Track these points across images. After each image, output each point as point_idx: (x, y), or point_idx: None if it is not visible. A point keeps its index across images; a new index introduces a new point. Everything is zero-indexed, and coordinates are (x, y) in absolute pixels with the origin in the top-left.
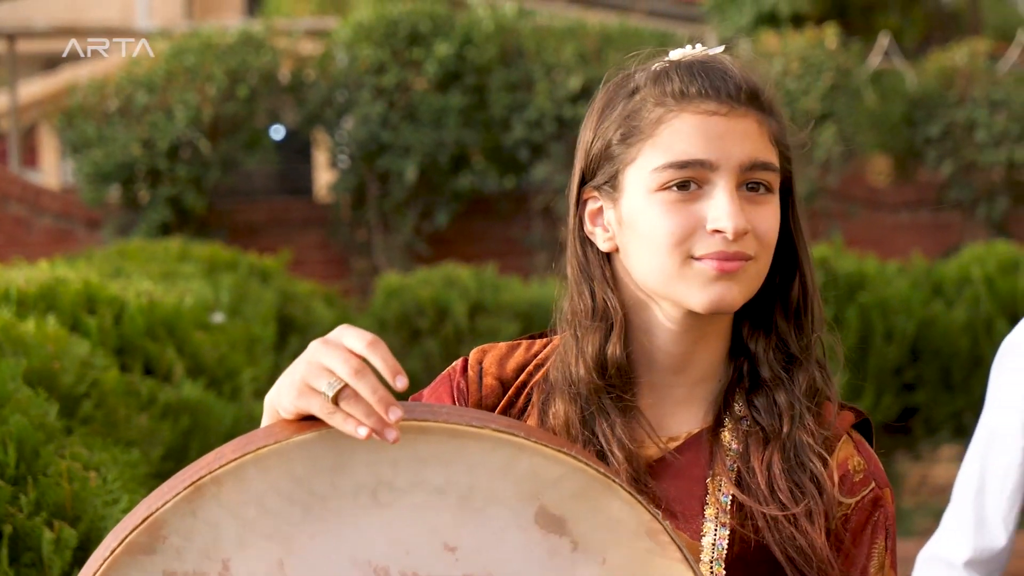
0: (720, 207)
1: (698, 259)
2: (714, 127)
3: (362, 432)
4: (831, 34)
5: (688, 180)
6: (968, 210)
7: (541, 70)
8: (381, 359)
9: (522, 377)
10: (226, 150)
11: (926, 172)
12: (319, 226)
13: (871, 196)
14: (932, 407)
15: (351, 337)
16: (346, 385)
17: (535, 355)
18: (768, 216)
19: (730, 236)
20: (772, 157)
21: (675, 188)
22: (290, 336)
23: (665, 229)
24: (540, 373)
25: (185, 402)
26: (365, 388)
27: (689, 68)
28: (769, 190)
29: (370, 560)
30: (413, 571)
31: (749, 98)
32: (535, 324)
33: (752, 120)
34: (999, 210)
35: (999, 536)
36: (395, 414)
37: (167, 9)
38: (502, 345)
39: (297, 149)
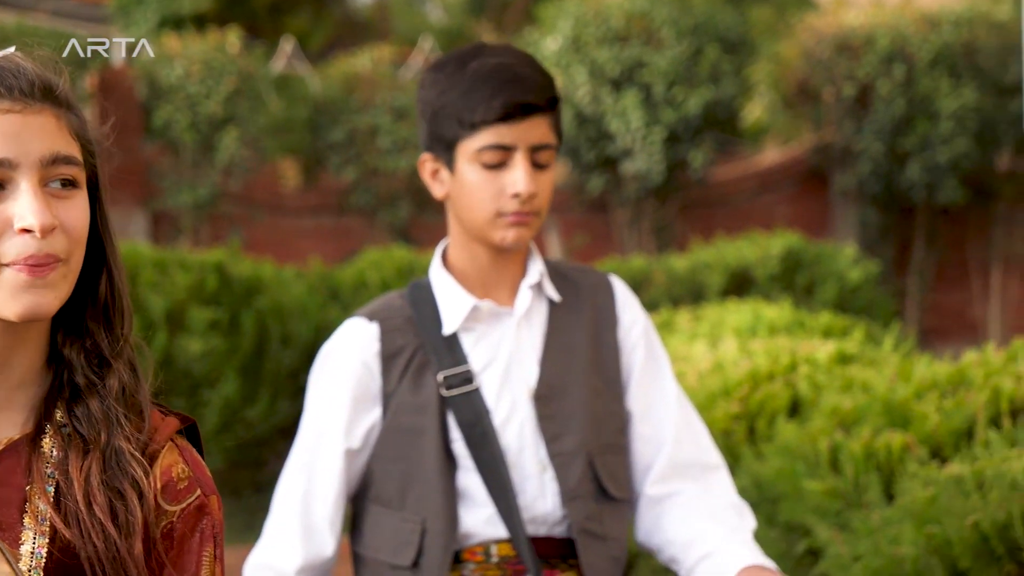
0: (25, 204)
1: (7, 265)
2: (11, 125)
3: None
4: (233, 37)
5: None
6: (370, 215)
7: None
8: None
9: None
10: None
11: (330, 177)
12: None
13: (275, 201)
14: None
15: None
16: None
17: None
18: (76, 211)
19: (38, 233)
20: (74, 151)
21: None
22: None
23: None
24: None
25: None
26: None
27: None
28: (75, 185)
29: None
30: None
31: (44, 94)
32: None
33: (49, 115)
34: (401, 216)
35: (328, 544)
36: None
37: None
38: None
39: None
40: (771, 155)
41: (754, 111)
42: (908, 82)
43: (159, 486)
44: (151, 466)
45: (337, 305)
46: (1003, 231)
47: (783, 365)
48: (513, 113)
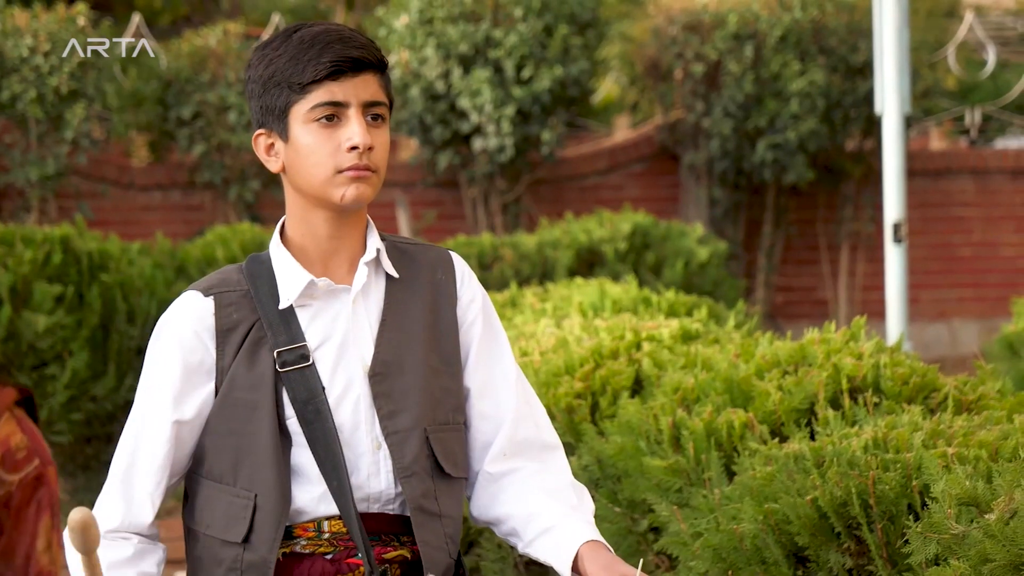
0: None
1: None
2: None
3: None
4: (82, 12)
5: None
6: (220, 192)
7: None
8: None
9: None
10: None
11: (178, 153)
12: None
13: (123, 176)
14: None
15: None
16: None
17: None
18: None
19: None
20: None
21: None
22: None
23: None
24: None
25: None
26: None
27: None
28: None
29: None
30: None
31: None
32: None
33: None
34: (250, 192)
35: (146, 512)
36: None
37: None
38: None
39: None
40: (621, 134)
41: (605, 90)
42: (757, 61)
43: None
44: None
45: (184, 281)
46: (851, 211)
47: (627, 343)
48: (343, 69)
